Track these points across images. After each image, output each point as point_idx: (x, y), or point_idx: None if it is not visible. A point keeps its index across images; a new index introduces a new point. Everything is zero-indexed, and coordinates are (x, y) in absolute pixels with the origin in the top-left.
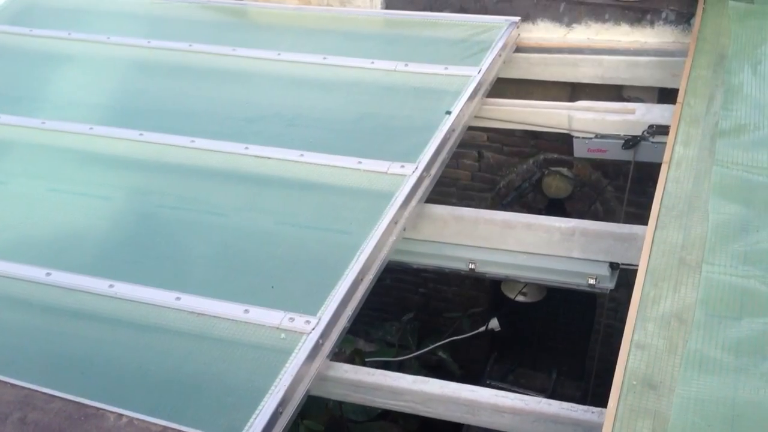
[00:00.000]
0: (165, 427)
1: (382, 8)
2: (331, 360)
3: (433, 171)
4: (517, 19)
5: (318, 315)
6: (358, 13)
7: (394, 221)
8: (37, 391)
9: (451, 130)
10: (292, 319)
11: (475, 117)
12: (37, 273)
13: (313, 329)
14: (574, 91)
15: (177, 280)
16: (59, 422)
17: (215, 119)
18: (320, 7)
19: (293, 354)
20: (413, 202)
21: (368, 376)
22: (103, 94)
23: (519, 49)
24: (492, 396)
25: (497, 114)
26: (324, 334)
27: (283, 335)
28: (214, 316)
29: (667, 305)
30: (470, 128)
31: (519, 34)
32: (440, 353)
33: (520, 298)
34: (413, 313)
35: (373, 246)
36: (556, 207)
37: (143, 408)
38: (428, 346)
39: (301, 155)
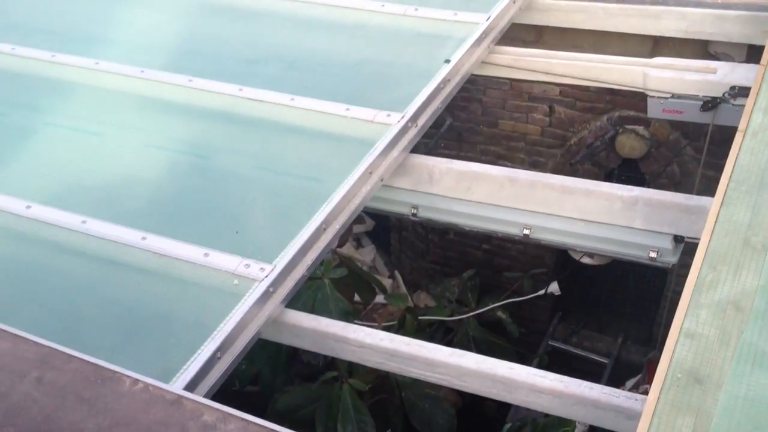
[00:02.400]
0: (179, 396)
1: None
2: (382, 320)
3: (421, 121)
4: None
5: (274, 263)
6: None
7: (368, 171)
8: (56, 350)
9: (446, 80)
10: (247, 266)
11: (534, 71)
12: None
13: (266, 276)
14: (656, 46)
15: (142, 219)
16: (75, 384)
17: (217, 59)
18: None
19: (241, 300)
20: (394, 152)
21: (405, 346)
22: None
23: None
24: (530, 375)
25: (563, 69)
26: (276, 282)
27: (236, 281)
28: (175, 258)
29: (725, 291)
30: (541, 82)
31: None
32: (499, 313)
33: (586, 260)
34: (475, 269)
35: (341, 196)
36: (629, 167)
37: (88, 346)
38: (488, 304)
39: (292, 99)
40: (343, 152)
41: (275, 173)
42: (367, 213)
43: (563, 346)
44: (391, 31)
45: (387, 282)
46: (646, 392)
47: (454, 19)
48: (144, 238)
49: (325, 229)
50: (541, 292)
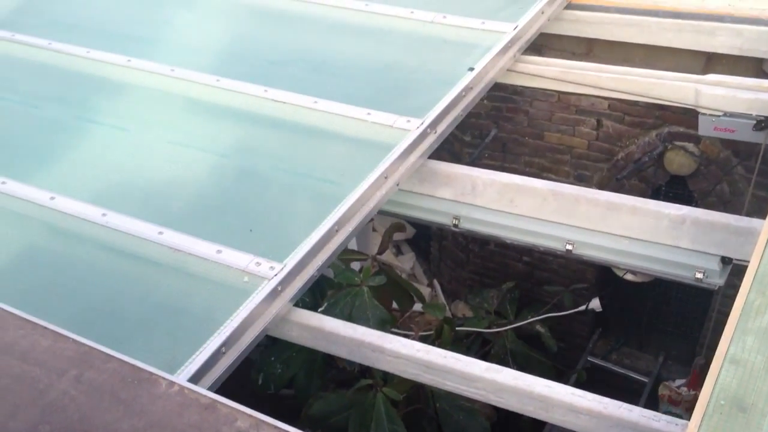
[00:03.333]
0: (213, 401)
1: None
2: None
3: (440, 128)
4: None
5: (284, 262)
6: None
7: (384, 175)
8: (95, 348)
9: (468, 88)
10: (258, 264)
11: (584, 85)
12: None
13: (276, 275)
14: (708, 62)
15: (160, 214)
16: (113, 384)
17: (245, 60)
18: None
19: (249, 298)
20: (411, 158)
21: (441, 359)
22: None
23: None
24: (568, 394)
25: (612, 83)
26: (285, 281)
27: (246, 278)
28: (189, 253)
29: None
30: (590, 95)
31: None
32: (538, 327)
33: (629, 277)
34: (514, 282)
35: (355, 198)
36: (677, 184)
37: (101, 335)
38: (527, 317)
39: (315, 102)
40: (361, 156)
41: (293, 174)
42: (409, 221)
43: (602, 363)
44: (418, 38)
45: (425, 290)
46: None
47: (481, 28)
48: (161, 233)
49: (337, 231)
50: (582, 307)
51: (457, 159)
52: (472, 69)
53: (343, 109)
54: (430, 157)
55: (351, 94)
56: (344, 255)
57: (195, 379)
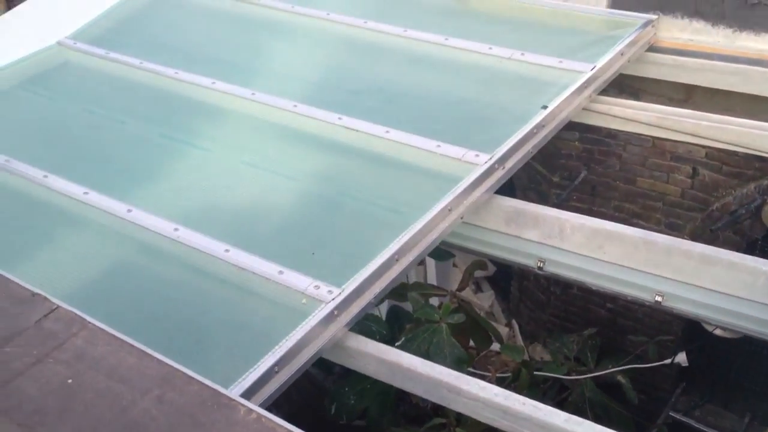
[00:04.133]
0: (288, 431)
1: (607, 6)
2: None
3: (509, 164)
4: (653, 17)
5: (343, 287)
6: (578, 9)
7: (448, 208)
8: (179, 370)
9: (540, 125)
10: (317, 287)
11: (688, 134)
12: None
13: (333, 299)
14: None
15: (228, 233)
16: (192, 407)
17: (323, 87)
18: None
19: (306, 320)
20: (476, 192)
21: (519, 405)
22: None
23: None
24: None
25: (711, 132)
26: (341, 306)
27: (304, 300)
28: (252, 272)
29: None
30: (686, 142)
31: (655, 33)
32: (619, 377)
33: (719, 332)
34: (596, 328)
35: (417, 229)
36: None
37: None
38: (607, 366)
39: (387, 132)
40: (427, 187)
41: (359, 200)
42: (491, 260)
43: (685, 419)
44: (495, 74)
45: (503, 330)
46: None
47: (558, 66)
48: (227, 251)
49: (397, 260)
50: (668, 361)
51: (544, 199)
52: (545, 107)
53: (413, 140)
54: (518, 197)
55: (423, 125)
56: (423, 289)
57: (247, 394)
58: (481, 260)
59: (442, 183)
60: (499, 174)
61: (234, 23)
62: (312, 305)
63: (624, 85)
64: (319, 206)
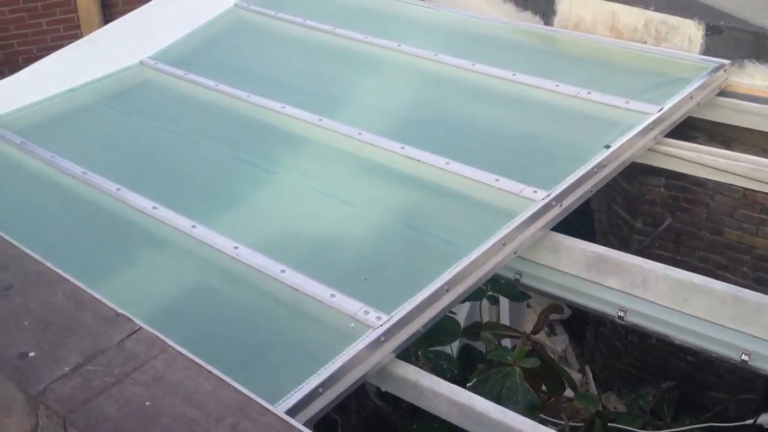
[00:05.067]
0: None
1: (700, 52)
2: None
3: (566, 202)
4: (725, 62)
5: (391, 314)
6: (649, 50)
7: (502, 242)
8: (254, 400)
9: (601, 165)
10: (366, 312)
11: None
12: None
13: (381, 325)
14: None
15: (285, 253)
16: None
17: (387, 117)
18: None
19: (352, 344)
20: (532, 228)
21: None
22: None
23: None
24: None
25: None
26: (389, 333)
27: (353, 324)
28: (305, 294)
29: None
30: None
31: (726, 78)
32: None
33: None
34: (675, 381)
35: (469, 261)
36: None
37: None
38: (685, 422)
39: (447, 163)
40: (483, 220)
41: (414, 229)
42: (570, 306)
43: None
44: (559, 111)
45: (576, 376)
46: None
47: (624, 107)
48: (283, 271)
49: (447, 291)
50: (749, 421)
51: (625, 245)
52: (608, 147)
53: (472, 172)
54: (598, 241)
55: (483, 159)
56: (496, 330)
57: (291, 413)
58: (557, 303)
59: (498, 217)
60: (556, 211)
61: (308, 50)
62: (360, 330)
63: (714, 132)
64: (374, 232)
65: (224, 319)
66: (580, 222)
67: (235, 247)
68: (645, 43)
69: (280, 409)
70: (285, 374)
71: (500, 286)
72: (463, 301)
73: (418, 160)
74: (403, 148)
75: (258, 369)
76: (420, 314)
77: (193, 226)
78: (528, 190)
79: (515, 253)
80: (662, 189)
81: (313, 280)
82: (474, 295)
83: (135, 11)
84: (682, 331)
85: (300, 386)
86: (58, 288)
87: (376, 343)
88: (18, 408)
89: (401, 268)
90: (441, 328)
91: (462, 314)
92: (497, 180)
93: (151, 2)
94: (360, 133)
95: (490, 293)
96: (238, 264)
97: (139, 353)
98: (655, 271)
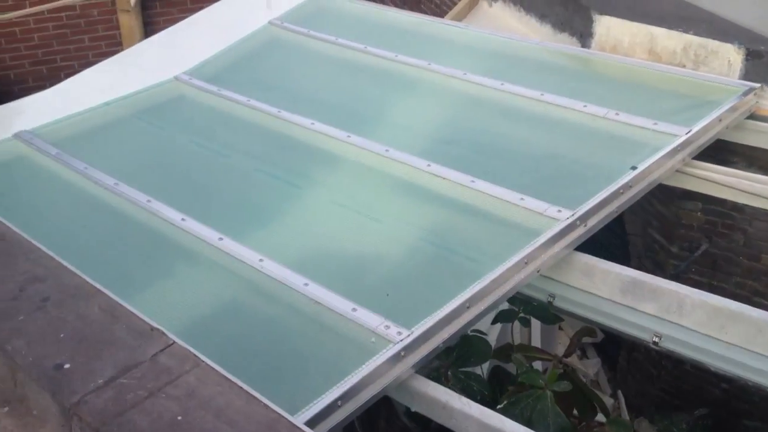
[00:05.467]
0: None
1: (740, 77)
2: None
3: (591, 222)
4: (756, 85)
5: (412, 329)
6: (679, 72)
7: (524, 260)
8: (283, 417)
9: (626, 186)
10: (387, 327)
11: None
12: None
13: (401, 340)
14: None
15: (308, 267)
16: None
17: (415, 134)
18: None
19: (372, 358)
20: (555, 248)
21: None
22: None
23: None
24: None
25: None
26: (409, 348)
27: (373, 339)
28: (327, 307)
29: None
30: None
31: (757, 102)
32: None
33: None
34: (708, 409)
35: (491, 279)
36: None
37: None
38: None
39: (473, 181)
40: (506, 238)
41: (437, 246)
42: (603, 330)
43: None
44: (587, 131)
45: (608, 401)
46: None
47: (652, 128)
48: (306, 285)
49: (468, 308)
50: None
51: (660, 269)
52: (634, 168)
53: (497, 191)
54: (633, 265)
55: (509, 177)
56: (528, 352)
57: (310, 424)
58: (590, 327)
59: (522, 235)
60: (580, 231)
61: (339, 68)
62: (380, 344)
63: (753, 158)
64: (398, 248)
65: (247, 330)
66: (615, 245)
67: (260, 260)
68: (684, 66)
69: (300, 419)
70: (305, 386)
71: (533, 308)
72: (494, 322)
73: (444, 178)
74: (429, 165)
75: (279, 380)
76: (440, 330)
77: (220, 239)
78: (552, 210)
79: (538, 271)
80: (699, 213)
81: (336, 294)
82: (506, 317)
83: (171, 28)
84: (718, 359)
85: (320, 398)
86: (94, 301)
87: (396, 358)
88: (52, 419)
89: (423, 284)
90: (472, 349)
91: (493, 335)
92: (522, 199)
93: (186, 19)
94: (387, 150)
95: (522, 315)
96: (263, 277)
97: (172, 368)
98: (691, 297)
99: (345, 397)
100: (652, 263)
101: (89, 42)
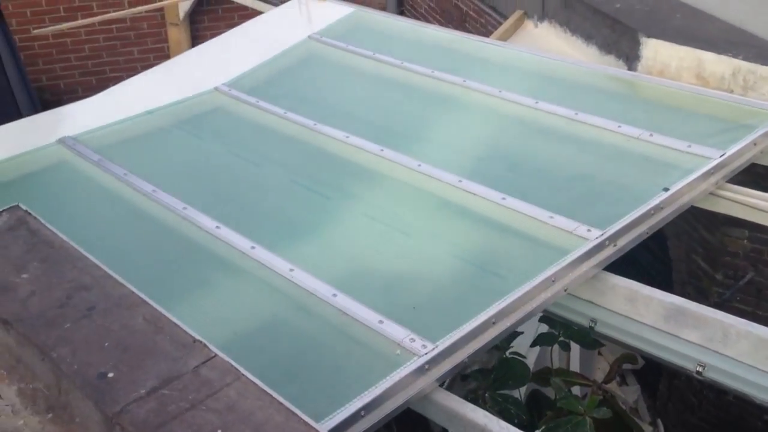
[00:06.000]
0: None
1: None
2: None
3: (620, 243)
4: None
5: (437, 343)
6: (716, 96)
7: (551, 278)
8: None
9: (657, 207)
10: (412, 340)
11: None
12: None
13: (426, 354)
14: None
15: (338, 277)
16: None
17: (445, 150)
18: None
19: (396, 370)
20: (583, 267)
21: None
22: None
23: None
24: None
25: None
26: (433, 361)
27: (398, 351)
28: (354, 318)
29: None
30: None
31: None
32: None
33: None
34: None
35: (517, 296)
36: None
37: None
38: None
39: (503, 198)
40: (535, 256)
41: (465, 261)
42: (644, 356)
43: None
44: (619, 152)
45: (647, 429)
46: None
47: (686, 150)
48: (335, 295)
49: (494, 323)
50: None
51: (703, 296)
52: (666, 189)
53: (528, 209)
54: (676, 291)
55: (540, 196)
56: (567, 377)
57: None
58: (630, 353)
59: (550, 254)
60: (609, 251)
61: (375, 83)
62: (405, 357)
63: None
64: (426, 262)
65: (273, 335)
66: (658, 271)
67: (291, 270)
68: (732, 92)
69: (323, 427)
70: (330, 394)
71: (573, 332)
72: (533, 345)
73: (475, 194)
74: (460, 181)
75: (305, 388)
76: (465, 345)
77: (252, 247)
78: (582, 229)
79: (565, 290)
80: (745, 241)
81: (363, 306)
82: (545, 340)
83: (213, 40)
84: (762, 390)
85: (343, 407)
86: (138, 311)
87: (420, 371)
88: (94, 428)
89: (450, 299)
90: (510, 372)
91: (531, 358)
92: (551, 217)
93: (229, 31)
94: (419, 165)
95: (561, 339)
96: (292, 285)
97: (214, 380)
98: (736, 327)
99: (368, 408)
100: (695, 290)
101: (138, 54)
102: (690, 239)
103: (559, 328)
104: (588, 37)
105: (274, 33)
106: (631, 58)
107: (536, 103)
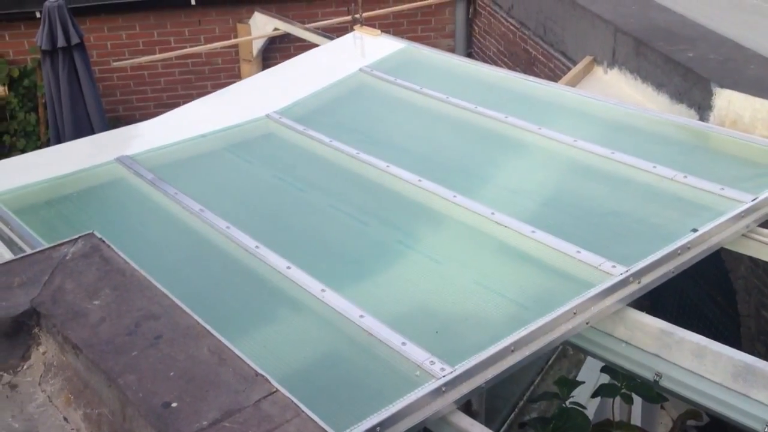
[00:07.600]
0: None
1: None
2: None
3: (645, 280)
4: None
5: (455, 367)
6: (756, 141)
7: (573, 311)
8: None
9: (685, 247)
10: (432, 362)
11: None
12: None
13: (444, 377)
14: None
15: (362, 298)
16: None
17: (485, 183)
18: None
19: (413, 390)
20: (606, 301)
21: None
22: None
23: None
24: None
25: None
26: (450, 384)
27: (418, 372)
28: (379, 339)
29: None
30: None
31: None
32: None
33: None
34: None
35: (538, 325)
36: None
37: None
38: None
39: (533, 232)
40: (559, 288)
41: (490, 290)
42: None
43: None
44: (652, 191)
45: None
46: None
47: (718, 193)
48: (362, 317)
49: (512, 351)
50: None
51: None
52: (695, 230)
53: (555, 242)
54: (744, 348)
55: (569, 230)
56: (628, 430)
57: None
58: (695, 410)
59: (574, 287)
60: (633, 288)
61: (419, 115)
62: (423, 378)
63: None
64: (453, 289)
65: (305, 353)
66: (726, 326)
67: (323, 291)
68: None
69: None
70: (350, 410)
71: (636, 385)
72: (594, 396)
73: (506, 226)
74: (493, 213)
75: (326, 402)
76: (483, 370)
77: (288, 267)
78: (607, 265)
79: (587, 323)
80: None
81: (387, 327)
82: (607, 392)
83: (270, 69)
84: None
85: (361, 423)
86: (203, 342)
87: (437, 393)
88: None
89: (472, 325)
90: (569, 423)
91: (591, 409)
92: (578, 252)
93: (285, 62)
94: (455, 196)
95: (624, 391)
96: (323, 306)
97: (274, 416)
98: None
99: (384, 425)
100: (765, 348)
101: (212, 88)
102: (760, 295)
103: (621, 380)
104: (659, 85)
105: (327, 65)
106: (703, 107)
107: (575, 141)
